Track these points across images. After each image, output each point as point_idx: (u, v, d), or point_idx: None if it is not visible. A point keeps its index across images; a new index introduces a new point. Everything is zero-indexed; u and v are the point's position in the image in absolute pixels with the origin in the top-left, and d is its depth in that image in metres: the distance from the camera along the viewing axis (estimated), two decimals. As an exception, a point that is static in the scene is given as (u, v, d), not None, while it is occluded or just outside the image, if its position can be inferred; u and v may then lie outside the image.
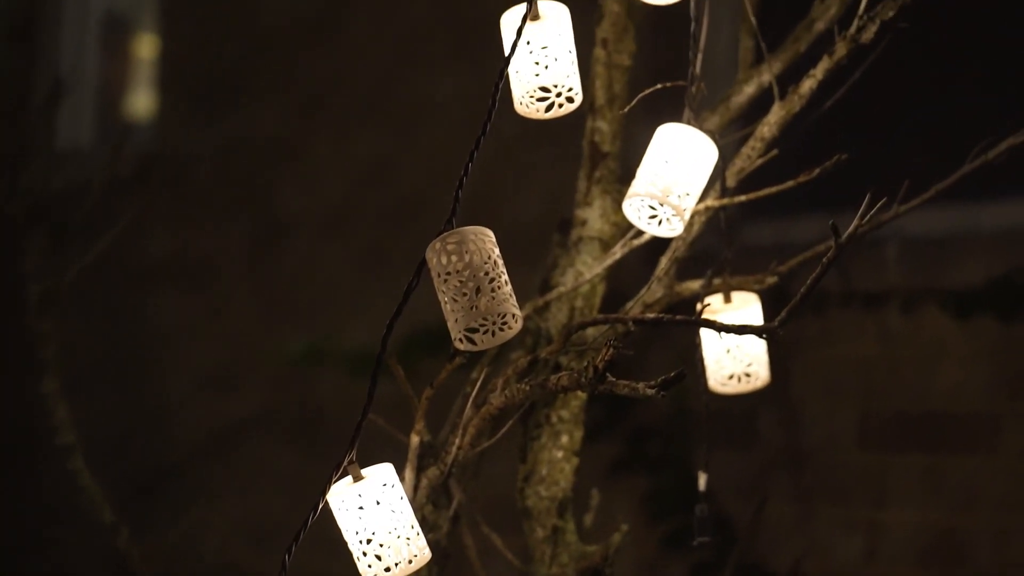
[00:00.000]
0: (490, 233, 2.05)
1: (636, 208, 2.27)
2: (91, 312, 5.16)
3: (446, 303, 2.03)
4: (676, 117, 2.33)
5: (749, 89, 2.56)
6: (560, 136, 2.81)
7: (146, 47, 6.20)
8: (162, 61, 5.86)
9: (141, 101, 6.13)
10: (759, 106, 2.56)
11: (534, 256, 2.82)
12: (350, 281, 4.96)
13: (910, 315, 3.74)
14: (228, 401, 5.19)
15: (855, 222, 2.17)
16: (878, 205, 2.14)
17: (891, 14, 2.34)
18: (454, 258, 2.02)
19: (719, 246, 2.43)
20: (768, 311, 2.46)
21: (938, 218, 3.72)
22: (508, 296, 2.03)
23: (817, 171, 2.34)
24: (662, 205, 2.23)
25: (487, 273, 2.02)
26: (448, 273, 2.02)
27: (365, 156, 4.96)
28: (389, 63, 4.92)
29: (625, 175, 2.50)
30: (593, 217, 2.56)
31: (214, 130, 5.39)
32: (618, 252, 2.44)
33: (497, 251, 2.03)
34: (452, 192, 2.03)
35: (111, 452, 4.98)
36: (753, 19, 2.53)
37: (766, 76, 2.52)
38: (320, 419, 4.88)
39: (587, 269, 2.53)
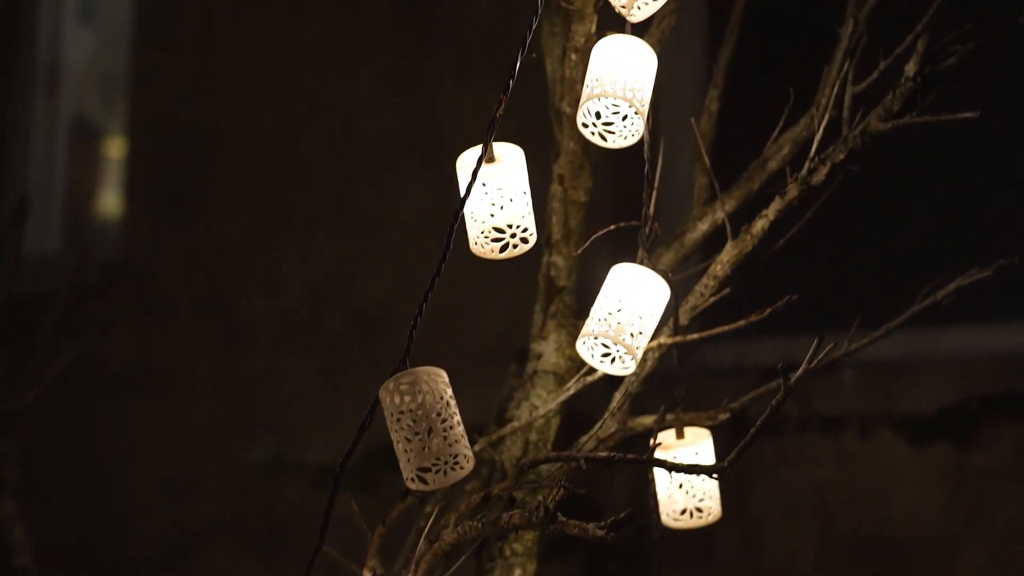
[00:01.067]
0: (443, 374, 2.07)
1: (590, 347, 2.29)
2: (54, 419, 5.15)
3: (398, 443, 2.05)
4: (632, 251, 2.36)
5: (703, 226, 2.60)
6: (522, 258, 2.84)
7: (113, 154, 6.23)
8: (129, 168, 5.88)
9: (107, 207, 6.15)
10: (716, 239, 2.60)
11: (494, 374, 2.84)
12: (312, 390, 4.96)
13: (867, 439, 3.75)
14: (190, 509, 5.17)
15: (804, 364, 2.20)
16: (827, 349, 2.17)
17: (842, 157, 2.39)
18: (407, 398, 2.04)
19: (675, 375, 2.45)
20: (722, 440, 2.48)
21: (894, 343, 3.74)
22: (460, 437, 2.05)
23: (768, 311, 2.37)
24: (615, 345, 2.26)
25: (439, 414, 2.04)
26: (401, 412, 2.04)
27: (329, 266, 4.98)
28: (354, 175, 4.95)
29: (581, 309, 2.53)
30: (548, 351, 2.59)
31: (180, 237, 5.40)
32: (572, 388, 2.47)
33: (450, 392, 2.06)
34: (412, 308, 2.06)
35: (71, 563, 4.95)
36: (706, 158, 2.57)
37: (720, 214, 2.55)
38: (281, 529, 4.87)
39: (541, 403, 2.56)
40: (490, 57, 4.36)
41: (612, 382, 2.51)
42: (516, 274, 3.09)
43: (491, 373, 2.90)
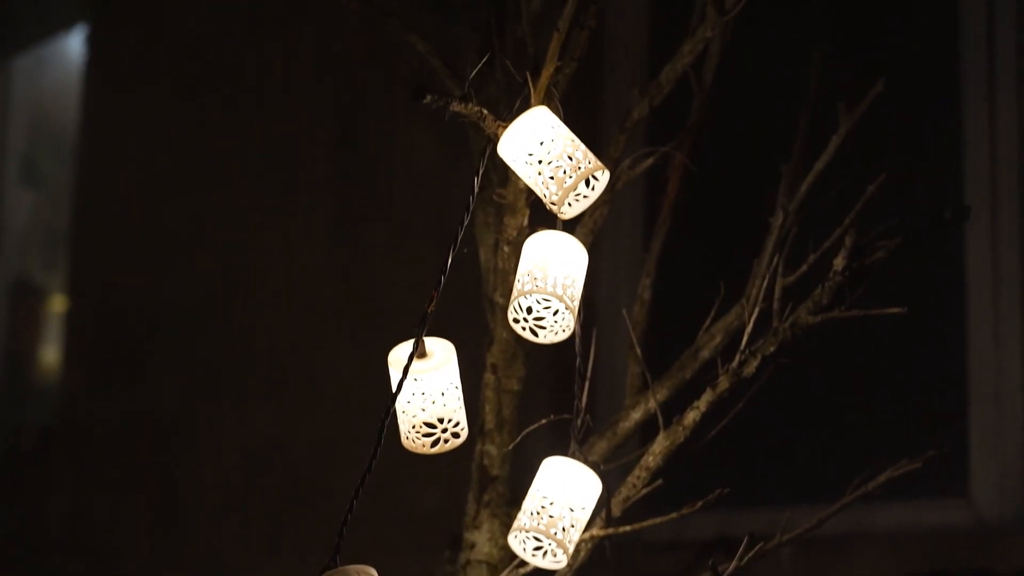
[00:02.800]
0: (374, 572, 2.05)
1: (521, 540, 2.29)
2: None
3: (328, 642, 2.03)
4: (565, 441, 2.37)
5: (636, 415, 2.61)
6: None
7: (53, 315, 6.21)
8: (68, 330, 5.86)
9: (46, 369, 6.12)
10: (649, 428, 2.61)
11: (430, 543, 2.82)
12: (249, 557, 4.91)
13: (806, 616, 3.74)
14: None
15: (735, 562, 2.21)
16: (755, 548, 2.18)
17: (772, 349, 2.41)
18: (338, 600, 2.03)
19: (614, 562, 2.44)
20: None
21: (831, 519, 3.75)
22: (389, 637, 2.03)
23: (699, 504, 2.38)
24: (546, 539, 2.25)
25: (369, 614, 2.03)
26: (331, 612, 2.03)
27: (265, 433, 4.95)
28: (291, 342, 4.94)
29: (515, 498, 2.53)
30: (481, 540, 2.58)
31: (117, 401, 5.37)
32: (505, 579, 2.46)
33: (380, 594, 2.05)
34: (349, 480, 2.05)
35: None
36: (639, 348, 2.59)
37: (652, 403, 2.56)
38: None
39: (474, 594, 2.54)
40: (426, 227, 4.39)
41: (546, 572, 2.50)
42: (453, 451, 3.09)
43: (427, 542, 2.89)
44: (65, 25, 6.26)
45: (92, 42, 5.97)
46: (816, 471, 3.56)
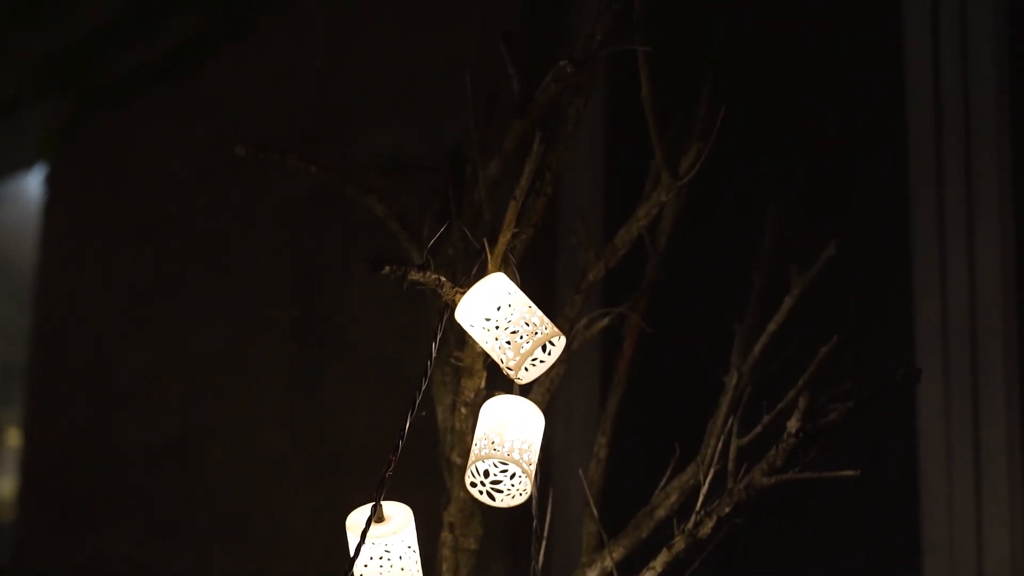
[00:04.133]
0: None
1: None
2: None
3: None
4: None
5: (592, 574, 2.62)
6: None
7: (7, 451, 6.18)
8: (22, 474, 5.83)
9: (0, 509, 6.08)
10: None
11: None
12: None
13: None
14: None
15: None
16: None
17: (727, 510, 2.43)
18: None
19: None
20: None
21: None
22: None
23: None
24: None
25: None
26: None
27: (224, 579, 4.93)
28: (249, 490, 4.93)
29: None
30: None
31: (72, 548, 5.33)
32: None
33: None
34: None
35: None
36: (594, 507, 2.60)
37: (608, 562, 2.57)
38: None
39: None
40: (384, 371, 4.41)
41: None
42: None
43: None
44: (25, 165, 6.30)
45: (51, 182, 6.01)
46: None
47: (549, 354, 2.26)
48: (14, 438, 6.21)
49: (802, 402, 2.43)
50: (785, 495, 3.14)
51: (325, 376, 4.74)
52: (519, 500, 2.29)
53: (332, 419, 4.69)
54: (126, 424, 5.36)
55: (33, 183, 6.42)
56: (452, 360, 2.50)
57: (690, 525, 2.43)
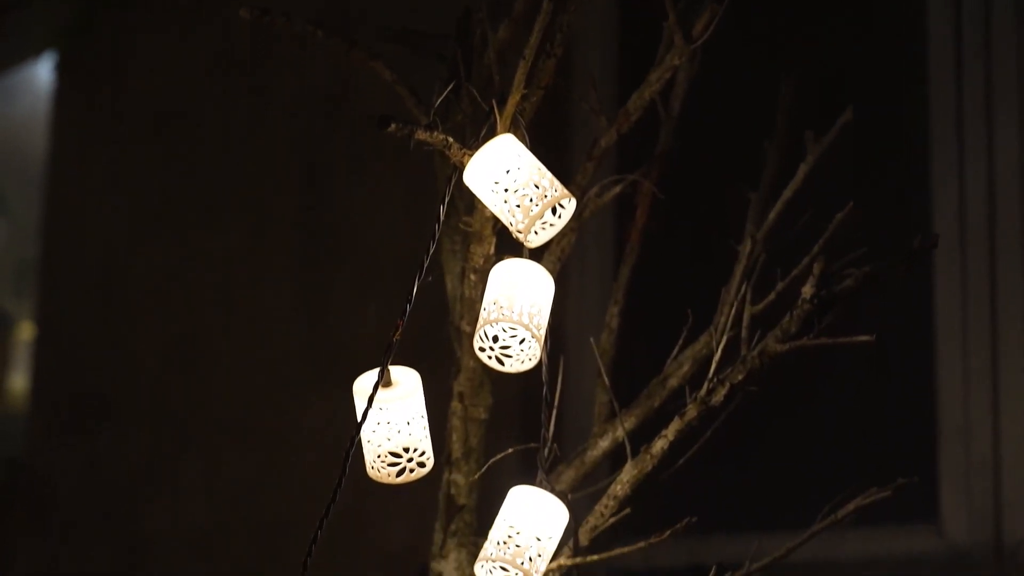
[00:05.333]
0: None
1: (488, 570, 2.27)
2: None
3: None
4: (533, 470, 2.35)
5: (604, 444, 2.60)
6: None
7: (19, 348, 6.18)
8: (35, 366, 5.83)
9: (10, 405, 6.09)
10: (616, 457, 2.59)
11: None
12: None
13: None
14: None
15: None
16: (725, 576, 2.17)
17: (740, 378, 2.40)
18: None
19: None
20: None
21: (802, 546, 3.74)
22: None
23: (668, 533, 2.36)
24: (513, 568, 2.24)
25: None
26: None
27: (233, 479, 4.93)
28: (258, 387, 4.92)
29: (482, 527, 2.51)
30: (448, 570, 2.56)
31: (83, 444, 5.33)
32: (472, 610, 2.43)
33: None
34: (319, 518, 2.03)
35: None
36: (606, 376, 2.58)
37: (620, 432, 2.55)
38: None
39: (442, 623, 2.52)
40: (392, 270, 4.38)
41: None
42: (421, 482, 3.08)
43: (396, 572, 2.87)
44: (35, 53, 6.24)
45: (62, 71, 5.96)
46: (785, 500, 3.54)
47: (559, 217, 2.22)
48: (27, 332, 6.20)
49: (817, 268, 2.39)
50: (798, 381, 3.12)
51: (334, 276, 4.71)
52: (528, 366, 2.25)
53: (340, 315, 4.67)
54: (137, 322, 5.35)
55: (44, 72, 6.37)
56: (461, 226, 2.46)
57: (703, 393, 2.40)
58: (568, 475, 2.58)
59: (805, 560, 3.63)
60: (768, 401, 2.64)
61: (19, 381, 6.24)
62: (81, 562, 5.19)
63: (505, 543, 2.24)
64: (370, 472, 2.20)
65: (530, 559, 2.24)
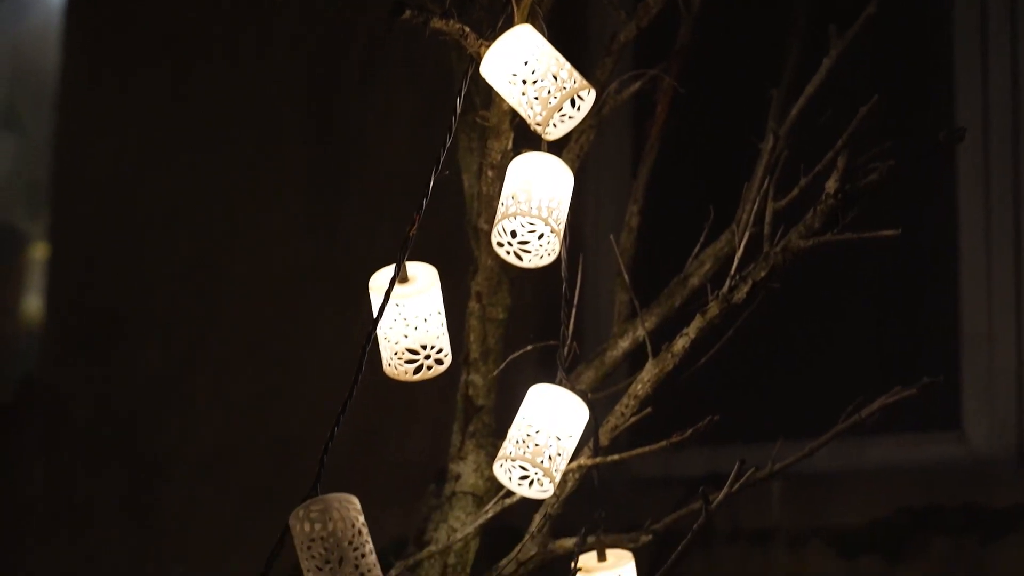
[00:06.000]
0: (355, 500, 2.01)
1: (507, 470, 2.24)
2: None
3: (309, 572, 1.99)
4: (552, 370, 2.31)
5: (624, 343, 2.56)
6: (443, 376, 2.80)
7: (32, 269, 6.15)
8: (47, 285, 5.80)
9: (23, 324, 6.06)
10: (637, 357, 2.56)
11: (415, 494, 2.78)
12: (230, 521, 4.87)
13: (795, 553, 3.71)
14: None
15: (725, 489, 2.17)
16: (749, 472, 2.13)
17: (763, 274, 2.35)
18: (317, 526, 1.99)
19: (599, 492, 2.39)
20: (646, 559, 2.43)
21: (822, 453, 3.71)
22: (372, 566, 1.99)
23: (689, 432, 2.33)
24: (533, 468, 2.21)
25: (351, 542, 1.98)
26: (312, 541, 1.99)
27: (245, 395, 4.91)
28: (271, 302, 4.89)
29: (500, 428, 2.48)
30: (467, 472, 2.53)
31: (96, 362, 5.31)
32: (491, 510, 2.41)
33: (362, 519, 2.00)
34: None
35: None
36: (626, 275, 2.54)
37: (640, 331, 2.52)
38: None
39: (460, 525, 2.50)
40: (406, 181, 4.33)
41: (533, 503, 2.45)
42: (437, 392, 3.06)
43: (413, 493, 2.85)
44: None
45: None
46: (807, 406, 3.51)
47: (578, 109, 2.17)
48: (40, 252, 6.17)
49: (841, 162, 2.34)
50: (821, 284, 3.08)
51: (346, 193, 4.66)
52: (547, 261, 2.21)
53: (351, 232, 4.64)
54: (150, 240, 5.31)
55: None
56: (478, 120, 2.42)
57: (725, 291, 2.36)
58: (588, 375, 2.55)
59: (827, 469, 3.62)
60: (787, 307, 2.60)
61: (33, 301, 6.20)
62: (95, 479, 5.19)
63: (524, 442, 2.21)
64: (387, 370, 2.17)
65: (550, 458, 2.21)
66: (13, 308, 6.14)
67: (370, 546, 1.99)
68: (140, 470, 5.06)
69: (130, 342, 5.19)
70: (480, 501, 2.51)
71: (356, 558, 1.98)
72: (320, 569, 1.98)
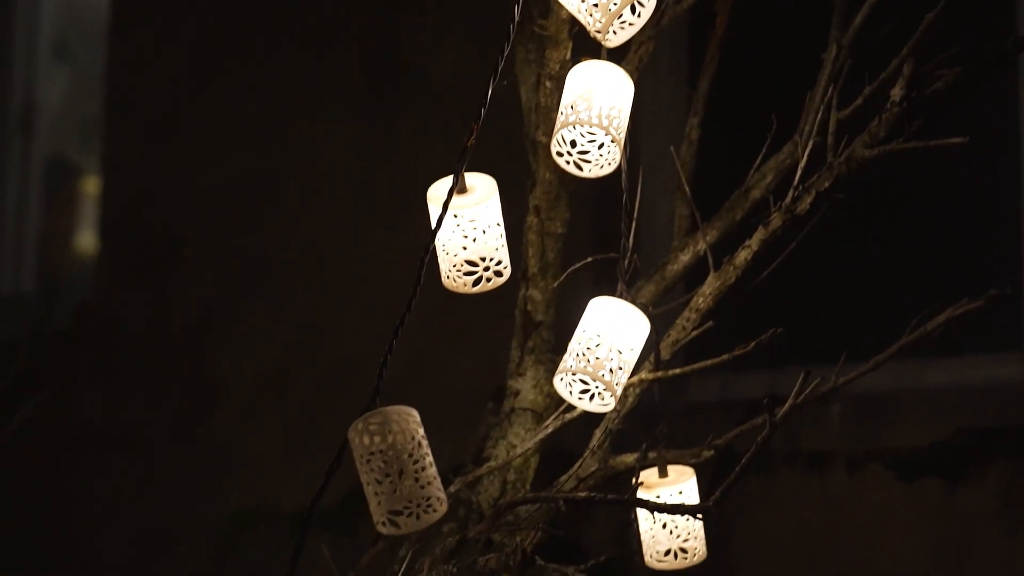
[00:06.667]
0: (415, 413, 1.99)
1: (567, 383, 2.20)
2: (19, 477, 5.05)
3: (368, 485, 1.98)
4: (611, 285, 2.28)
5: (684, 257, 2.53)
6: (499, 293, 2.77)
7: (88, 197, 6.15)
8: (102, 213, 5.81)
9: (79, 252, 6.07)
10: (698, 271, 2.53)
11: (472, 419, 2.76)
12: (287, 442, 4.87)
13: (854, 477, 3.68)
14: (163, 566, 5.07)
15: (791, 400, 2.14)
16: (814, 383, 2.10)
17: (826, 185, 2.31)
18: (377, 439, 1.97)
19: (660, 407, 2.36)
20: (707, 478, 2.41)
21: (882, 376, 3.67)
22: (433, 479, 1.97)
23: (752, 344, 2.30)
24: (594, 381, 2.17)
25: (411, 455, 1.96)
26: (371, 454, 1.97)
27: (301, 318, 4.90)
28: (326, 225, 4.88)
29: (559, 344, 2.45)
30: (526, 388, 2.51)
31: (151, 288, 5.32)
32: (551, 426, 2.39)
33: (422, 431, 1.98)
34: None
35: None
36: (687, 187, 2.50)
37: (701, 245, 2.48)
38: (257, 582, 4.78)
39: (519, 441, 2.48)
40: (460, 100, 4.29)
41: (592, 419, 2.43)
42: (493, 313, 3.03)
43: (468, 414, 2.83)
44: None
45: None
46: (869, 327, 3.48)
47: (638, 16, 2.13)
48: (92, 185, 6.16)
49: (907, 69, 2.30)
50: (883, 201, 3.03)
51: (399, 112, 4.63)
52: (607, 170, 2.17)
53: (407, 155, 4.61)
54: (202, 165, 5.30)
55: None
56: (536, 30, 2.38)
57: (788, 201, 2.32)
58: (648, 290, 2.52)
59: (887, 390, 3.59)
60: (850, 221, 2.56)
61: (88, 230, 6.21)
62: (150, 404, 5.20)
63: (585, 355, 2.18)
64: (445, 282, 2.14)
65: (611, 371, 2.18)
66: (68, 237, 6.15)
67: (430, 459, 1.97)
68: (195, 392, 5.07)
69: (185, 266, 5.19)
70: (539, 417, 2.48)
71: (416, 470, 1.96)
72: (380, 482, 1.96)
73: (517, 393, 2.51)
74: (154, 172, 5.43)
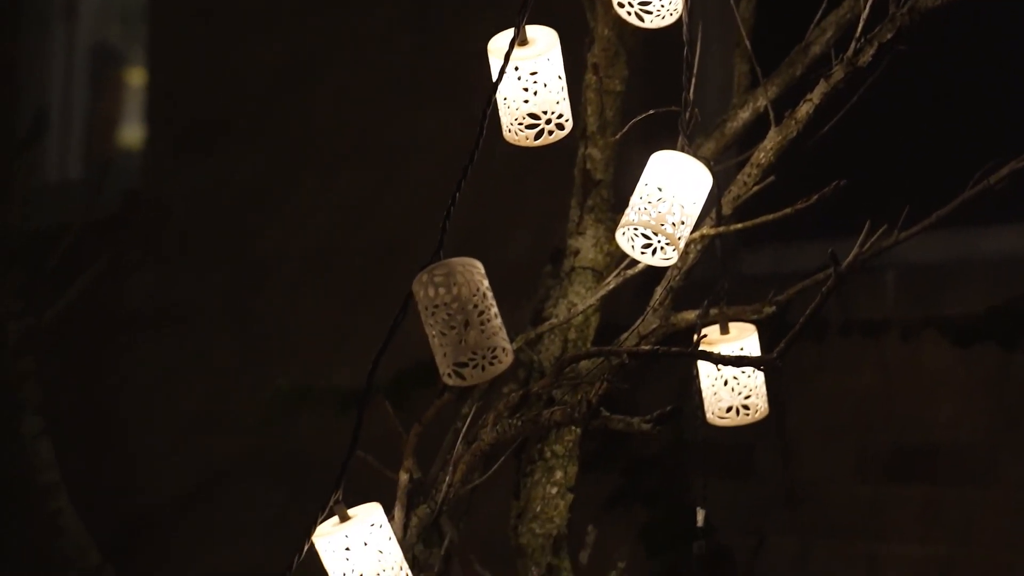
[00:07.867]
0: (479, 264, 1.98)
1: (630, 238, 2.19)
2: (71, 356, 5.09)
3: (434, 337, 1.97)
4: (670, 143, 2.26)
5: (744, 114, 2.50)
6: (551, 164, 2.76)
7: (134, 82, 6.15)
8: (149, 98, 5.81)
9: (125, 137, 6.08)
10: (756, 131, 2.50)
11: (526, 288, 2.76)
12: (335, 321, 4.89)
13: (909, 344, 3.67)
14: (211, 444, 5.11)
15: (855, 250, 2.13)
16: (878, 233, 2.09)
17: (889, 36, 2.28)
18: (442, 290, 1.96)
19: (716, 274, 2.36)
20: (765, 342, 2.39)
21: (937, 244, 3.66)
22: (498, 329, 1.97)
23: (815, 197, 2.28)
24: (656, 234, 2.16)
25: (476, 306, 1.96)
26: (436, 306, 1.96)
27: (349, 196, 4.90)
28: (374, 104, 4.86)
29: (619, 203, 2.45)
30: (586, 247, 2.50)
31: (199, 169, 5.33)
32: (612, 282, 2.38)
33: (486, 283, 1.97)
34: (439, 229, 1.97)
35: (93, 496, 4.88)
36: (748, 43, 2.47)
37: (761, 101, 2.46)
38: (306, 460, 4.81)
39: (580, 300, 2.47)
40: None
41: (651, 281, 2.42)
42: (543, 192, 3.02)
43: (521, 288, 2.83)
44: None
45: None
46: (932, 189, 3.46)
47: None
48: (138, 74, 6.16)
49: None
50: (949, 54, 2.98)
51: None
52: (669, 21, 2.14)
53: (455, 30, 4.58)
54: (246, 46, 5.29)
55: None
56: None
57: (849, 54, 2.29)
58: (708, 147, 2.50)
59: (941, 260, 3.57)
60: (913, 75, 2.52)
61: (135, 117, 6.20)
62: (198, 285, 5.23)
63: (647, 209, 2.16)
64: (507, 136, 2.12)
65: (673, 225, 2.16)
66: (116, 123, 6.16)
67: (495, 310, 1.97)
68: (243, 274, 5.09)
69: (232, 149, 5.20)
70: (600, 276, 2.48)
71: (481, 321, 1.96)
72: (444, 334, 1.96)
73: (577, 252, 2.51)
74: (199, 57, 5.42)
